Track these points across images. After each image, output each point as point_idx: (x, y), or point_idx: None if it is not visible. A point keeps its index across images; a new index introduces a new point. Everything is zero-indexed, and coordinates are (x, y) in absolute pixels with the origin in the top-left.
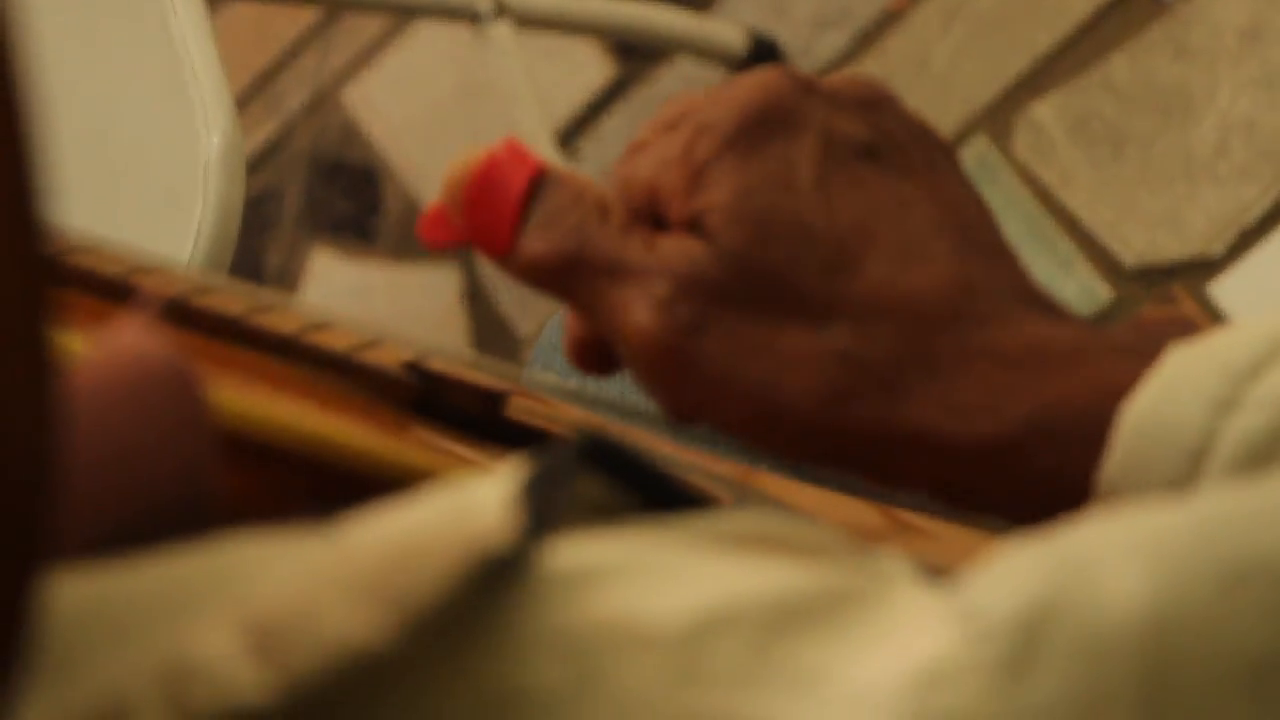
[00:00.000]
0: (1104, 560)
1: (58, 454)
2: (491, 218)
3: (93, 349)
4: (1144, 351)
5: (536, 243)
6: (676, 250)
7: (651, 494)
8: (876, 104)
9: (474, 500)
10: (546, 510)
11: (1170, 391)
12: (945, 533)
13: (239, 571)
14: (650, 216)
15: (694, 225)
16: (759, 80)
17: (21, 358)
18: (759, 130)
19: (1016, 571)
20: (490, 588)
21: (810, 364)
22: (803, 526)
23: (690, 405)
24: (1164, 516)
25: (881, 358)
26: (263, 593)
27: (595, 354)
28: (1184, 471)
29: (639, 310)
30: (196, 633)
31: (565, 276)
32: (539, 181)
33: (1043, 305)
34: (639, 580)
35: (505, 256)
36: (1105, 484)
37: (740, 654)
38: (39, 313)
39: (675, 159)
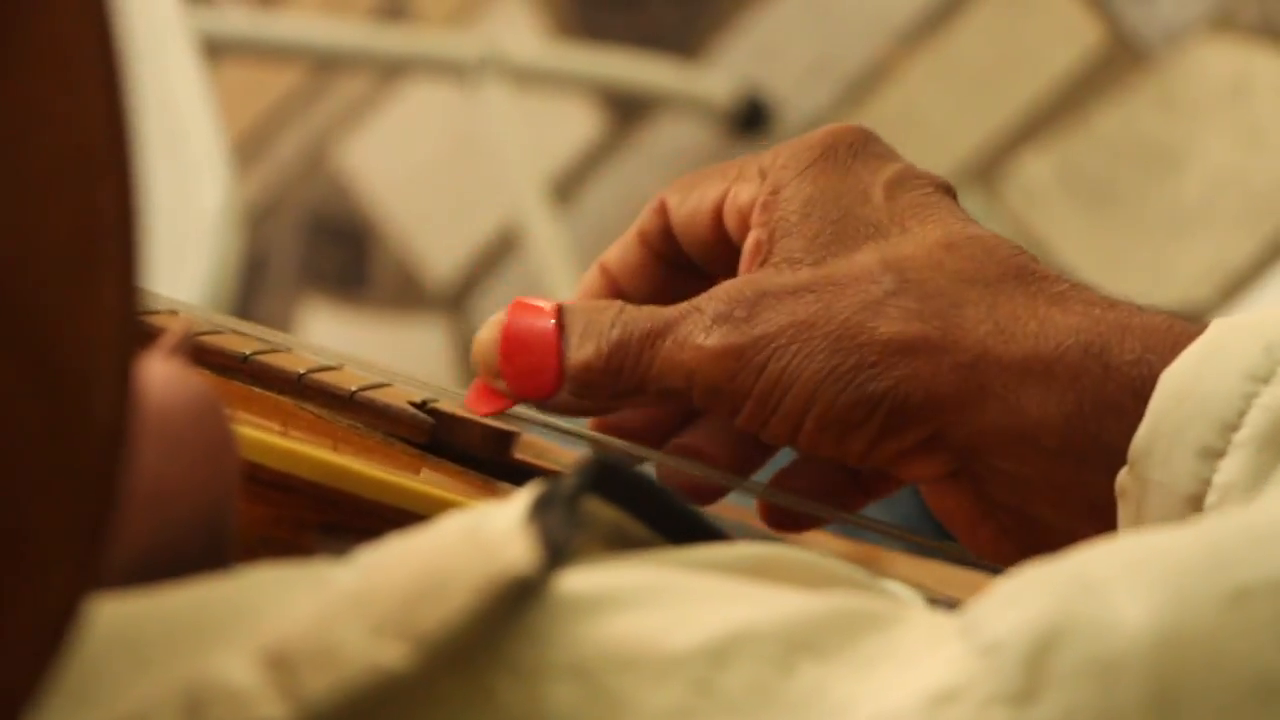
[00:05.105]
0: (1110, 581)
1: (126, 478)
2: (535, 365)
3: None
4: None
5: (584, 350)
6: (722, 285)
7: (663, 522)
8: None
9: (490, 528)
10: (561, 536)
11: (1208, 360)
12: (933, 571)
13: (260, 601)
14: (688, 262)
15: (763, 217)
16: (837, 125)
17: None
18: (838, 155)
19: (1024, 594)
20: (509, 612)
21: (861, 283)
22: (813, 555)
23: (750, 378)
24: (1168, 537)
25: (938, 280)
26: (283, 622)
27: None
28: (1212, 439)
29: (698, 334)
30: (218, 660)
31: (622, 363)
32: (565, 314)
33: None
34: (654, 604)
35: (559, 386)
36: (1136, 448)
37: (755, 676)
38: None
39: (749, 178)
